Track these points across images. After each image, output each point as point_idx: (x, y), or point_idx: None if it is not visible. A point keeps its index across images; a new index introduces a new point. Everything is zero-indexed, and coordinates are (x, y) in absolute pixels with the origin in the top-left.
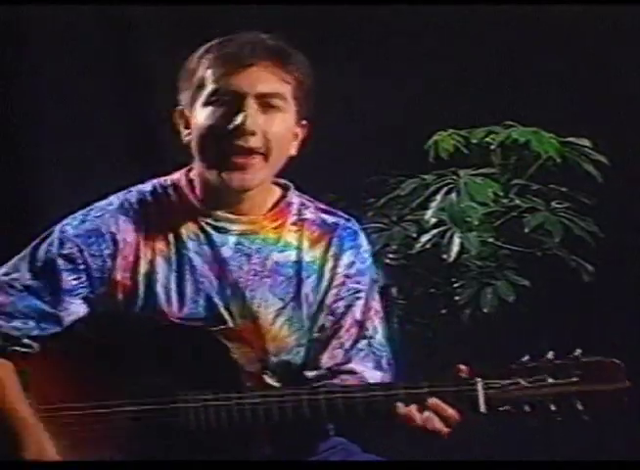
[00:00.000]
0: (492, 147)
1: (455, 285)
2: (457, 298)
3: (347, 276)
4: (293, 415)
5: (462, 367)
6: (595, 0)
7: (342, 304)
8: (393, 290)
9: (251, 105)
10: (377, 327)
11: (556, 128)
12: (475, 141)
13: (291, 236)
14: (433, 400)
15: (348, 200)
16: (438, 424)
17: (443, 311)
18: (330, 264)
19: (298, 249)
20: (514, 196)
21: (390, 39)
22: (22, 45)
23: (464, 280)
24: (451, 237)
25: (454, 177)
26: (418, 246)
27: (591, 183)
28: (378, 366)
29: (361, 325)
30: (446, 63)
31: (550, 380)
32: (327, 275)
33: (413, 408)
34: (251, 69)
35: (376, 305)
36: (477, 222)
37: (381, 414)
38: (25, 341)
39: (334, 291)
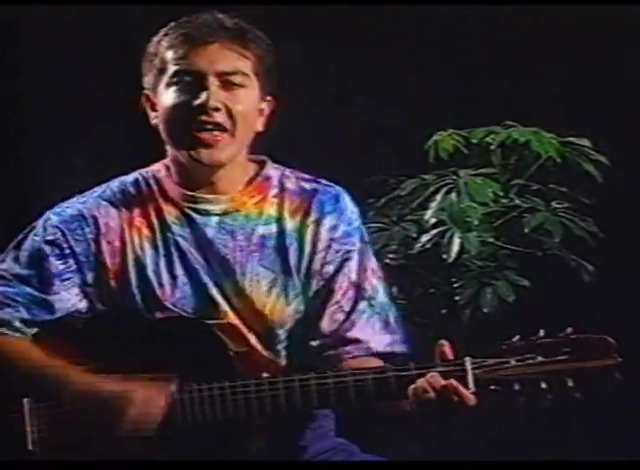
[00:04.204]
0: (492, 147)
1: (455, 285)
2: (457, 298)
3: (332, 239)
4: (285, 402)
5: (444, 342)
6: (595, 0)
7: (331, 267)
8: (393, 290)
9: (213, 82)
10: (376, 286)
11: (556, 128)
12: (475, 141)
13: (272, 208)
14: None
15: None
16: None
17: (443, 311)
18: (311, 230)
19: (280, 220)
20: (514, 196)
21: (391, 39)
22: (22, 45)
23: (464, 280)
24: (451, 237)
25: (454, 177)
26: (418, 246)
27: (591, 183)
28: (385, 327)
29: (358, 287)
30: (446, 63)
31: (540, 358)
32: (309, 241)
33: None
34: (210, 47)
35: (372, 264)
36: (477, 222)
37: (371, 398)
38: (17, 324)
39: (320, 256)
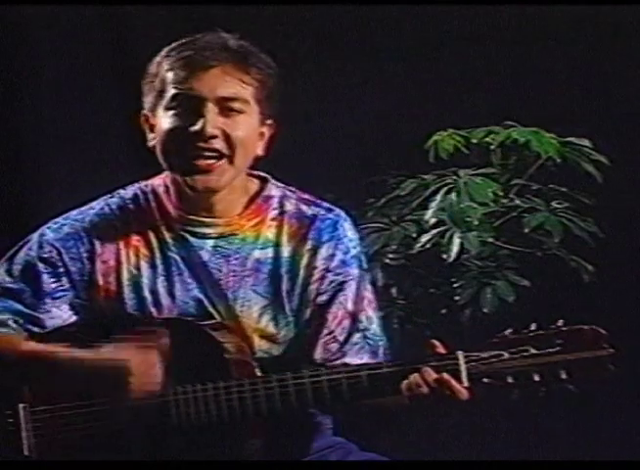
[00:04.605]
0: (492, 147)
1: (455, 285)
2: (457, 298)
3: (328, 270)
4: (280, 401)
5: (436, 343)
6: (595, 0)
7: (324, 297)
8: (393, 290)
9: (211, 109)
10: (371, 317)
11: (556, 128)
12: (475, 141)
13: (270, 232)
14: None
15: (348, 200)
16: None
17: (443, 311)
18: (306, 259)
19: (277, 245)
20: (514, 196)
21: (391, 39)
22: (22, 45)
23: (464, 280)
24: (451, 237)
25: (454, 177)
26: (418, 246)
27: (591, 183)
28: (373, 357)
29: (354, 317)
30: (447, 62)
31: (532, 350)
32: (303, 270)
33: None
34: (211, 72)
35: (368, 294)
36: (477, 222)
37: (366, 395)
38: (10, 323)
39: (314, 286)
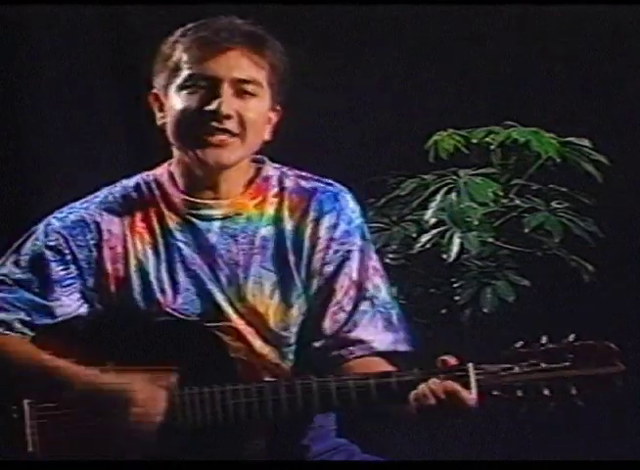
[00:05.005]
0: (492, 147)
1: (455, 285)
2: (457, 298)
3: (332, 239)
4: (287, 406)
5: (447, 358)
6: (595, 0)
7: (331, 267)
8: (393, 290)
9: (227, 90)
10: (378, 285)
11: (556, 128)
12: (475, 141)
13: (272, 208)
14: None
15: None
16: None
17: (443, 311)
18: (309, 230)
19: (279, 219)
20: (514, 196)
21: (391, 39)
22: (22, 45)
23: (464, 280)
24: (451, 237)
25: (454, 177)
26: (418, 246)
27: (591, 183)
28: (388, 325)
29: (359, 286)
30: (447, 62)
31: (543, 365)
32: (308, 241)
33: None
34: (227, 53)
35: (374, 263)
36: (477, 222)
37: (373, 403)
38: (17, 325)
39: (319, 256)
